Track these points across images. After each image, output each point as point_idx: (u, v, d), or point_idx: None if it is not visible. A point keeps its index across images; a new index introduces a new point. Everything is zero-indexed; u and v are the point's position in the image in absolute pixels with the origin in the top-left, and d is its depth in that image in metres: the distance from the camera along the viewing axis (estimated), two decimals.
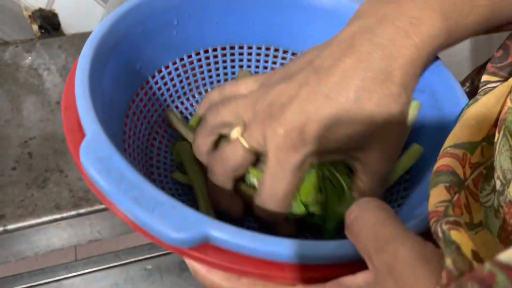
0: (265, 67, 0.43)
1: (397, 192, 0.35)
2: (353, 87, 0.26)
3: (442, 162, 0.22)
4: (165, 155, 0.37)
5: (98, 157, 0.23)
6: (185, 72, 0.39)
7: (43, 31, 0.69)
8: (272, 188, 0.29)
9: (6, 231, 0.46)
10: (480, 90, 0.26)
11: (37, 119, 0.56)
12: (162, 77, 0.38)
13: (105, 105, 0.28)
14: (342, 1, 0.37)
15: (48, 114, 0.57)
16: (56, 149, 0.53)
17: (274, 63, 0.42)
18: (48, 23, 0.70)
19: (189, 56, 0.39)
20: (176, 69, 0.39)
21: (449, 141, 0.23)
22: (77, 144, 0.24)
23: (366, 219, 0.19)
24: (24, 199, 0.49)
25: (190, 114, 0.41)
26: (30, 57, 0.63)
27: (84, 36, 0.66)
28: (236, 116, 0.30)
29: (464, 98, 0.32)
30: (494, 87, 0.25)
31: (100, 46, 0.29)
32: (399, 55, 0.26)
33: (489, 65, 0.26)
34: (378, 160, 0.29)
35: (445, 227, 0.18)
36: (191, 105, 0.41)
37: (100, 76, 0.29)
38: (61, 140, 0.54)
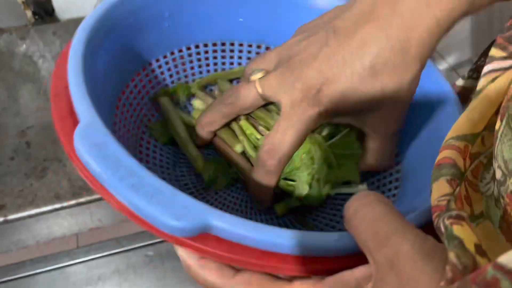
0: None
1: (389, 182, 0.34)
2: (370, 54, 0.27)
3: (444, 154, 0.22)
4: (154, 149, 0.37)
5: (93, 143, 0.22)
6: (175, 66, 0.39)
7: (37, 17, 0.68)
8: (283, 135, 0.30)
9: (6, 221, 0.47)
10: (484, 70, 0.25)
11: (34, 107, 0.56)
12: (152, 70, 0.37)
13: (97, 93, 0.27)
14: (335, 2, 0.36)
15: (45, 103, 0.56)
16: (54, 138, 0.53)
17: None
18: (42, 9, 0.68)
19: (180, 51, 0.38)
20: (167, 63, 0.38)
21: (452, 132, 0.23)
22: (68, 132, 0.23)
23: (365, 213, 0.19)
24: (23, 189, 0.49)
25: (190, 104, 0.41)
26: (24, 45, 0.62)
27: (78, 22, 0.64)
28: (262, 67, 0.33)
29: (445, 85, 0.32)
30: (497, 70, 0.25)
31: (93, 32, 0.28)
32: (417, 25, 0.27)
33: (498, 36, 0.26)
34: (385, 123, 0.31)
35: (447, 221, 0.18)
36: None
37: (93, 62, 0.28)
38: None
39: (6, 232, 0.50)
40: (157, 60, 0.37)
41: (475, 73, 0.39)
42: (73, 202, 0.48)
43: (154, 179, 0.21)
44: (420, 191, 0.29)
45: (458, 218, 0.18)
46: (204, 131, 0.35)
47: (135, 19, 0.33)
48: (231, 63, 0.41)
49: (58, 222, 0.50)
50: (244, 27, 0.39)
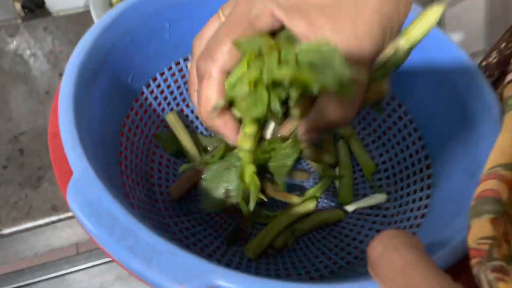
0: None
1: (420, 189, 0.32)
2: None
3: (488, 185, 0.19)
4: (167, 170, 0.35)
5: (87, 200, 0.20)
6: (183, 77, 0.36)
7: (26, 10, 0.65)
8: (217, 33, 0.25)
9: (2, 236, 0.44)
10: (508, 78, 0.22)
11: (26, 111, 0.53)
12: (158, 85, 0.35)
13: (94, 130, 0.25)
14: None
15: (38, 105, 0.53)
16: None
17: None
18: (32, 1, 0.65)
19: (186, 59, 0.36)
20: (173, 74, 0.35)
21: (497, 158, 0.20)
22: (66, 179, 0.22)
23: (392, 260, 0.17)
24: (18, 200, 0.46)
25: (192, 122, 0.38)
26: (14, 42, 0.58)
27: (70, 17, 0.61)
28: None
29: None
30: None
31: (84, 66, 0.26)
32: None
33: None
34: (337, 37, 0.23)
35: (491, 276, 0.16)
36: (192, 111, 0.39)
37: (87, 99, 0.26)
38: None
39: (3, 245, 0.48)
40: (162, 74, 0.35)
41: None
42: (70, 213, 0.46)
43: (152, 237, 0.20)
44: (454, 212, 0.26)
45: (502, 271, 0.16)
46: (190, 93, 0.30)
47: (132, 38, 0.30)
48: None
49: (56, 234, 0.48)
50: None
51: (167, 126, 0.36)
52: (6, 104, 0.53)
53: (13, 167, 0.48)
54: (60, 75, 0.56)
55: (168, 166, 0.35)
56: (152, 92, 0.34)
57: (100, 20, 0.28)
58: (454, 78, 0.31)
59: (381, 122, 0.37)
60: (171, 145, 0.36)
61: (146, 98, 0.34)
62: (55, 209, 0.46)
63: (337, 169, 0.38)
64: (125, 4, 0.30)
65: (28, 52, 0.58)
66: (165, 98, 0.36)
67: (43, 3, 0.67)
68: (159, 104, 0.35)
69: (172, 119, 0.36)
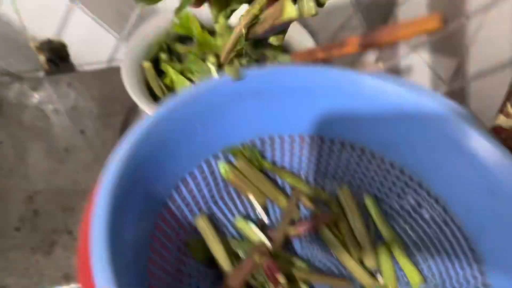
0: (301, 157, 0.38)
1: (472, 278, 0.29)
2: None
3: None
4: (198, 284, 0.33)
5: None
6: (212, 173, 0.34)
7: (50, 63, 0.64)
8: None
9: None
10: None
11: (43, 169, 0.51)
12: (187, 187, 0.33)
13: (126, 252, 0.23)
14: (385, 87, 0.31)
15: (56, 164, 0.51)
16: (65, 206, 0.48)
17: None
18: (57, 55, 0.65)
19: (215, 156, 0.34)
20: (202, 172, 0.34)
21: None
22: None
23: None
24: (28, 266, 0.44)
25: (229, 221, 0.37)
26: (37, 96, 0.58)
27: (94, 73, 0.61)
28: None
29: None
30: None
31: (118, 186, 0.24)
32: None
33: None
34: None
35: None
36: (223, 214, 0.37)
37: (121, 219, 0.24)
38: (70, 194, 0.49)
39: None
40: (191, 173, 0.33)
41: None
42: None
43: None
44: None
45: None
46: None
47: (163, 146, 0.29)
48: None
49: None
50: (284, 120, 0.35)
51: (197, 231, 0.34)
52: (23, 161, 0.51)
53: (26, 230, 0.46)
54: (81, 132, 0.55)
55: (198, 278, 0.33)
56: (181, 195, 0.32)
57: (131, 134, 0.26)
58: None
59: (424, 225, 0.34)
60: (202, 252, 0.34)
61: (176, 203, 0.32)
62: (67, 278, 0.43)
63: (379, 277, 0.35)
64: (159, 113, 0.28)
65: (50, 107, 0.57)
66: (194, 198, 0.34)
67: (68, 56, 0.67)
68: (188, 206, 0.33)
69: (202, 224, 0.34)
